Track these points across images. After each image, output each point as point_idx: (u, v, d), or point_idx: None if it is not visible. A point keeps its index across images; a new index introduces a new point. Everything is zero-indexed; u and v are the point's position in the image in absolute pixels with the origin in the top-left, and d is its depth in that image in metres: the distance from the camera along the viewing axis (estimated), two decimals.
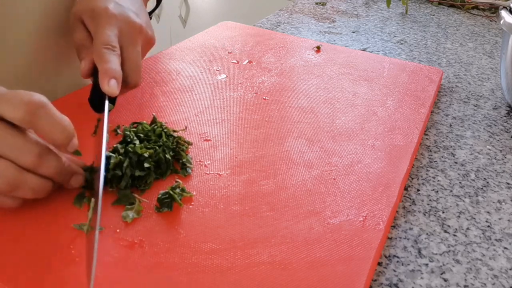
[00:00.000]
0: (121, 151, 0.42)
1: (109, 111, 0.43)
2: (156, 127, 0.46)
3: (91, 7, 0.48)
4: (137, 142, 0.43)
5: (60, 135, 0.37)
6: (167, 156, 0.43)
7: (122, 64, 0.46)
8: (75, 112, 0.45)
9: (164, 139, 0.44)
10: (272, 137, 0.50)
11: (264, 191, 0.42)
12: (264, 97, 0.58)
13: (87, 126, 0.46)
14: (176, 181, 0.41)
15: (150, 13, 0.64)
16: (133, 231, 0.37)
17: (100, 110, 0.44)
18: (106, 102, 0.43)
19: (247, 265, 0.35)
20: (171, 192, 0.40)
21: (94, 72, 0.46)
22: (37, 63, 0.55)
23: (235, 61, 0.66)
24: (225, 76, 0.62)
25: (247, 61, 0.67)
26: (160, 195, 0.40)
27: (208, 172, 0.44)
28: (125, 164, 0.41)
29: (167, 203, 0.39)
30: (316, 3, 1.04)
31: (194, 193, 0.41)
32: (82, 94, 0.55)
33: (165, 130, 0.46)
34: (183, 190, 0.41)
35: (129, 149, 0.42)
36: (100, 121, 0.45)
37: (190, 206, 0.40)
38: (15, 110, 0.35)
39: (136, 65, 0.47)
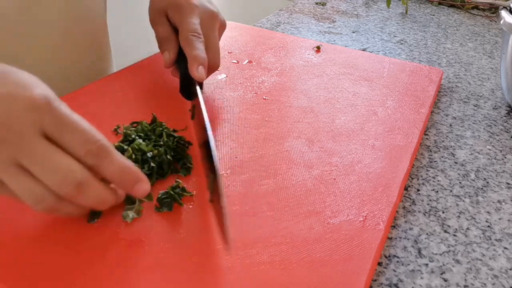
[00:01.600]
0: (126, 147, 0.42)
1: (189, 99, 0.47)
2: (156, 126, 0.46)
3: (176, 2, 0.52)
4: (140, 140, 0.44)
5: (122, 179, 0.35)
6: (168, 156, 0.43)
7: (205, 50, 0.50)
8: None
9: (165, 139, 0.44)
10: (272, 137, 0.50)
11: (264, 191, 0.42)
12: (264, 97, 0.58)
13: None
14: (176, 181, 0.41)
15: None
16: (133, 231, 0.37)
17: (191, 97, 0.48)
18: (198, 88, 0.46)
19: (247, 265, 0.35)
20: (172, 192, 0.40)
21: (178, 63, 0.51)
22: (65, 46, 0.58)
23: (235, 61, 0.66)
24: (225, 76, 0.62)
25: (247, 61, 0.67)
26: (160, 195, 0.40)
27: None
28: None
29: (167, 203, 0.39)
30: (316, 3, 1.04)
31: (194, 193, 0.41)
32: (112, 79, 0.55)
33: (165, 130, 0.46)
34: (183, 189, 0.41)
35: (135, 146, 0.42)
36: (195, 107, 0.48)
37: (190, 206, 0.40)
38: (78, 146, 0.33)
39: (216, 49, 0.52)
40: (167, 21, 0.53)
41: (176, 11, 0.52)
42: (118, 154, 0.35)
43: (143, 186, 0.36)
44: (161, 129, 0.46)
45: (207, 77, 0.51)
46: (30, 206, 0.33)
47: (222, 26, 0.56)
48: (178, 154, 0.45)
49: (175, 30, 0.53)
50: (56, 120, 0.32)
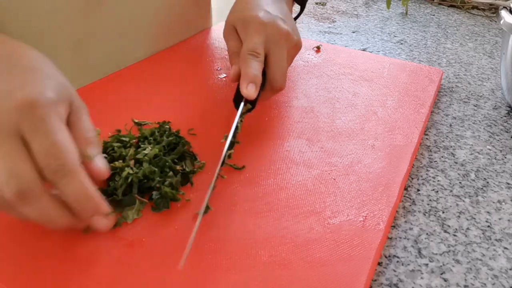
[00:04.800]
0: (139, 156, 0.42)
1: (248, 111, 0.48)
2: (158, 130, 0.47)
3: (243, 16, 0.52)
4: (148, 148, 0.43)
5: (78, 205, 0.33)
6: (169, 160, 0.42)
7: (268, 68, 0.50)
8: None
9: (166, 139, 0.44)
10: (272, 137, 0.50)
11: (264, 191, 0.42)
12: None
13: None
14: (168, 176, 0.41)
15: (295, 18, 0.67)
16: (133, 231, 0.37)
17: (249, 110, 0.48)
18: (242, 104, 0.47)
19: (247, 265, 0.35)
20: (164, 188, 0.39)
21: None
22: (94, 32, 0.59)
23: None
24: (225, 75, 0.62)
25: None
26: (153, 195, 0.40)
27: (208, 172, 0.44)
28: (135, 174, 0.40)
29: (162, 203, 0.39)
30: (316, 3, 1.04)
31: (184, 193, 0.41)
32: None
33: (166, 132, 0.46)
34: (173, 187, 0.40)
35: (146, 158, 0.42)
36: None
37: (190, 206, 0.40)
38: (41, 157, 0.31)
39: (281, 69, 0.50)
40: (237, 36, 0.53)
41: (243, 27, 0.52)
42: (81, 177, 0.32)
43: (102, 221, 0.35)
44: (163, 132, 0.46)
45: (269, 97, 0.53)
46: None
47: (295, 47, 0.54)
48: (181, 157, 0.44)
49: None
50: (32, 125, 0.31)
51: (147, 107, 0.54)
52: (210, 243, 0.36)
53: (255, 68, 0.48)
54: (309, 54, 0.70)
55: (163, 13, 0.67)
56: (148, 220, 0.38)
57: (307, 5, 1.02)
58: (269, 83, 0.51)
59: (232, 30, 0.54)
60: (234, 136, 0.44)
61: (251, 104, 0.48)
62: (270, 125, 0.52)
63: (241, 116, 0.47)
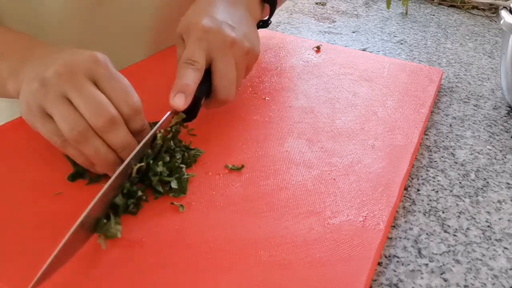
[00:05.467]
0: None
1: (184, 120, 0.46)
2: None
3: (187, 23, 0.50)
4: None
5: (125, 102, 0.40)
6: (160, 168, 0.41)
7: (213, 78, 0.48)
8: None
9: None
10: (272, 137, 0.50)
11: (264, 191, 0.42)
12: (264, 97, 0.58)
13: None
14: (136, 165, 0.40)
15: (266, 21, 0.63)
16: (133, 231, 0.37)
17: (185, 120, 0.47)
18: (168, 113, 0.45)
19: (247, 265, 0.35)
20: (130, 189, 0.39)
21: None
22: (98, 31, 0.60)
23: None
24: None
25: None
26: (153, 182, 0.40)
27: (208, 172, 0.44)
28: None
29: (133, 203, 0.38)
30: (316, 3, 1.04)
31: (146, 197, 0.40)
32: None
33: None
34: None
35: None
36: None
37: (191, 206, 0.40)
38: (117, 97, 0.39)
39: (226, 78, 0.48)
40: (184, 44, 0.50)
41: (186, 35, 0.50)
42: (126, 129, 0.40)
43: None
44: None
45: (215, 107, 0.50)
46: (65, 133, 0.38)
47: (247, 54, 0.50)
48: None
49: None
50: (107, 73, 0.40)
51: (146, 107, 0.54)
52: (210, 243, 0.36)
53: (187, 77, 0.45)
54: (309, 54, 0.70)
55: (163, 13, 0.67)
56: (148, 220, 0.38)
57: (306, 5, 1.02)
58: (213, 93, 0.48)
59: (179, 38, 0.51)
60: (150, 145, 0.42)
61: (187, 113, 0.46)
62: (270, 125, 0.52)
63: (172, 127, 0.44)
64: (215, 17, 0.50)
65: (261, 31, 0.78)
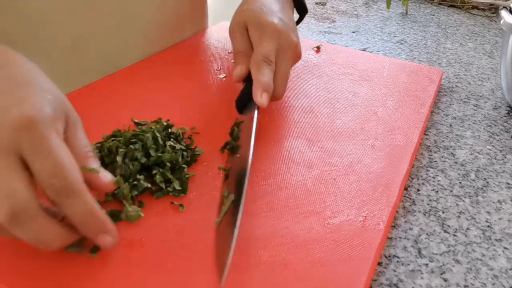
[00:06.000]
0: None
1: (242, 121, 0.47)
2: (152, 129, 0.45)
3: (258, 18, 0.52)
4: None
5: (85, 224, 0.32)
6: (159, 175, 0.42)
7: (274, 77, 0.49)
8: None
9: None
10: (272, 137, 0.50)
11: (264, 191, 0.42)
12: None
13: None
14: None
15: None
16: (133, 231, 0.37)
17: (242, 112, 0.49)
18: (256, 112, 0.47)
19: (247, 265, 0.35)
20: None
21: (246, 78, 0.50)
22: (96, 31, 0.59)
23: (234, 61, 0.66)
24: (225, 75, 0.62)
25: None
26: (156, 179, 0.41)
27: (208, 172, 0.44)
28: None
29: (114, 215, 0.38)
30: (316, 3, 1.04)
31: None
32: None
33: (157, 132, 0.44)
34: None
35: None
36: (241, 123, 0.49)
37: (191, 206, 0.40)
38: (44, 177, 0.30)
39: (285, 79, 0.51)
40: (247, 36, 0.52)
41: (256, 30, 0.51)
42: (86, 196, 0.31)
43: (107, 238, 0.32)
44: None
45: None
46: None
47: (297, 58, 0.54)
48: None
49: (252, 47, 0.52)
50: (33, 144, 0.30)
51: (146, 107, 0.54)
52: (210, 243, 0.36)
53: (268, 75, 0.47)
54: (309, 54, 0.70)
55: (162, 13, 0.67)
56: (148, 220, 0.38)
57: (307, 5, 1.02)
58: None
59: (243, 28, 0.53)
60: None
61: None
62: (270, 125, 0.52)
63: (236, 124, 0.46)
64: (283, 19, 0.53)
65: None
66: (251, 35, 0.52)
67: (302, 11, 0.65)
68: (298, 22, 0.65)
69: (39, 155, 0.30)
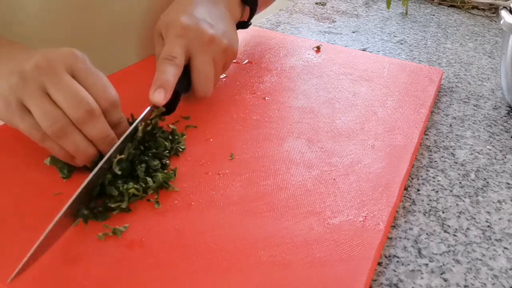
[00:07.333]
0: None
1: (163, 114, 0.46)
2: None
3: (167, 20, 0.51)
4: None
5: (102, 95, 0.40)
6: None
7: (191, 74, 0.49)
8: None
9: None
10: (272, 137, 0.50)
11: (264, 191, 0.42)
12: (264, 97, 0.58)
13: None
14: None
15: (247, 21, 0.64)
16: (133, 231, 0.37)
17: (164, 114, 0.47)
18: (148, 108, 0.45)
19: (247, 265, 0.35)
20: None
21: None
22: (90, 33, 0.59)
23: (235, 61, 0.66)
24: (225, 75, 0.62)
25: (247, 61, 0.67)
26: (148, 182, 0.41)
27: (208, 172, 0.44)
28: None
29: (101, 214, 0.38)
30: (316, 3, 1.04)
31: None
32: None
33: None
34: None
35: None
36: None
37: (191, 206, 0.40)
38: (96, 91, 0.40)
39: (204, 75, 0.49)
40: (163, 41, 0.52)
41: (165, 32, 0.50)
42: (103, 121, 0.40)
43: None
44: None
45: (191, 102, 0.50)
46: (44, 128, 0.38)
47: (225, 52, 0.51)
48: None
49: None
50: (85, 68, 0.40)
51: (145, 108, 0.54)
52: (210, 243, 0.36)
53: (166, 72, 0.46)
54: (309, 54, 0.70)
55: (152, 17, 0.66)
56: (148, 220, 0.38)
57: (306, 5, 1.02)
58: (192, 89, 0.50)
59: (158, 35, 0.52)
60: (131, 138, 0.42)
61: (167, 107, 0.46)
62: (270, 125, 0.52)
63: (151, 119, 0.45)
64: (194, 15, 0.51)
65: (262, 32, 0.78)
66: (164, 38, 0.51)
67: (252, 3, 0.61)
68: (250, 17, 0.63)
69: (90, 74, 0.40)
